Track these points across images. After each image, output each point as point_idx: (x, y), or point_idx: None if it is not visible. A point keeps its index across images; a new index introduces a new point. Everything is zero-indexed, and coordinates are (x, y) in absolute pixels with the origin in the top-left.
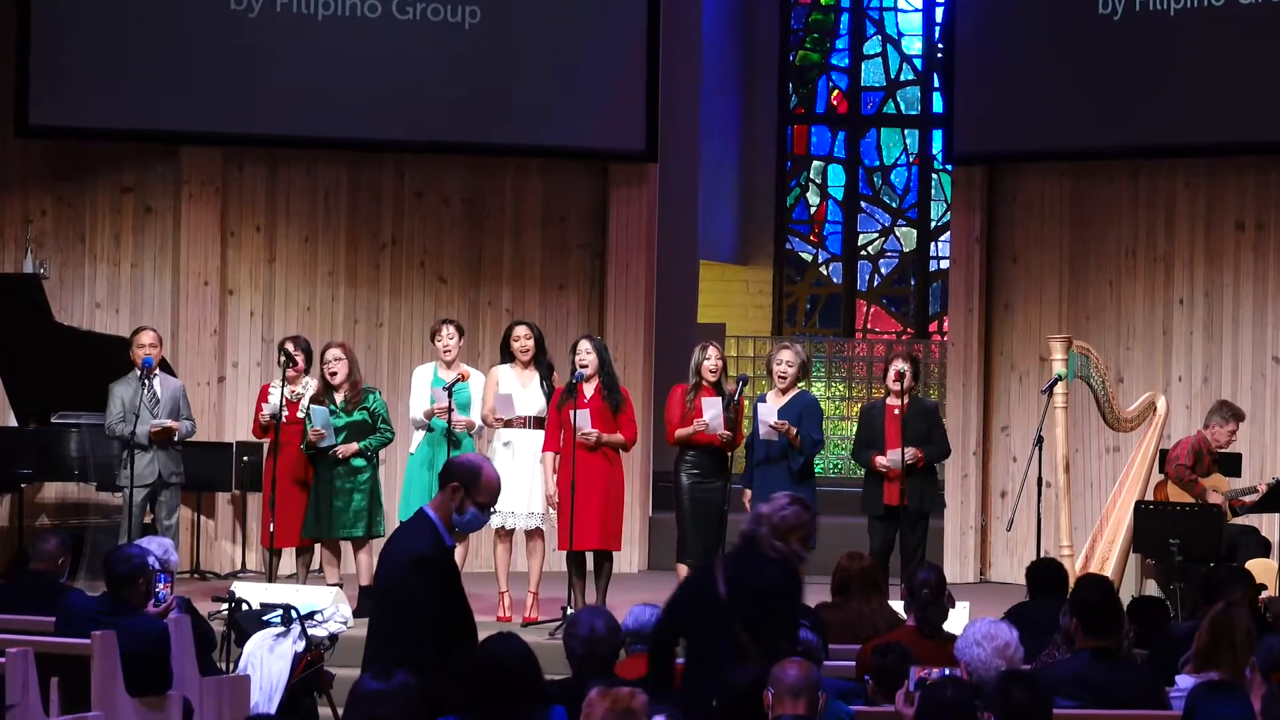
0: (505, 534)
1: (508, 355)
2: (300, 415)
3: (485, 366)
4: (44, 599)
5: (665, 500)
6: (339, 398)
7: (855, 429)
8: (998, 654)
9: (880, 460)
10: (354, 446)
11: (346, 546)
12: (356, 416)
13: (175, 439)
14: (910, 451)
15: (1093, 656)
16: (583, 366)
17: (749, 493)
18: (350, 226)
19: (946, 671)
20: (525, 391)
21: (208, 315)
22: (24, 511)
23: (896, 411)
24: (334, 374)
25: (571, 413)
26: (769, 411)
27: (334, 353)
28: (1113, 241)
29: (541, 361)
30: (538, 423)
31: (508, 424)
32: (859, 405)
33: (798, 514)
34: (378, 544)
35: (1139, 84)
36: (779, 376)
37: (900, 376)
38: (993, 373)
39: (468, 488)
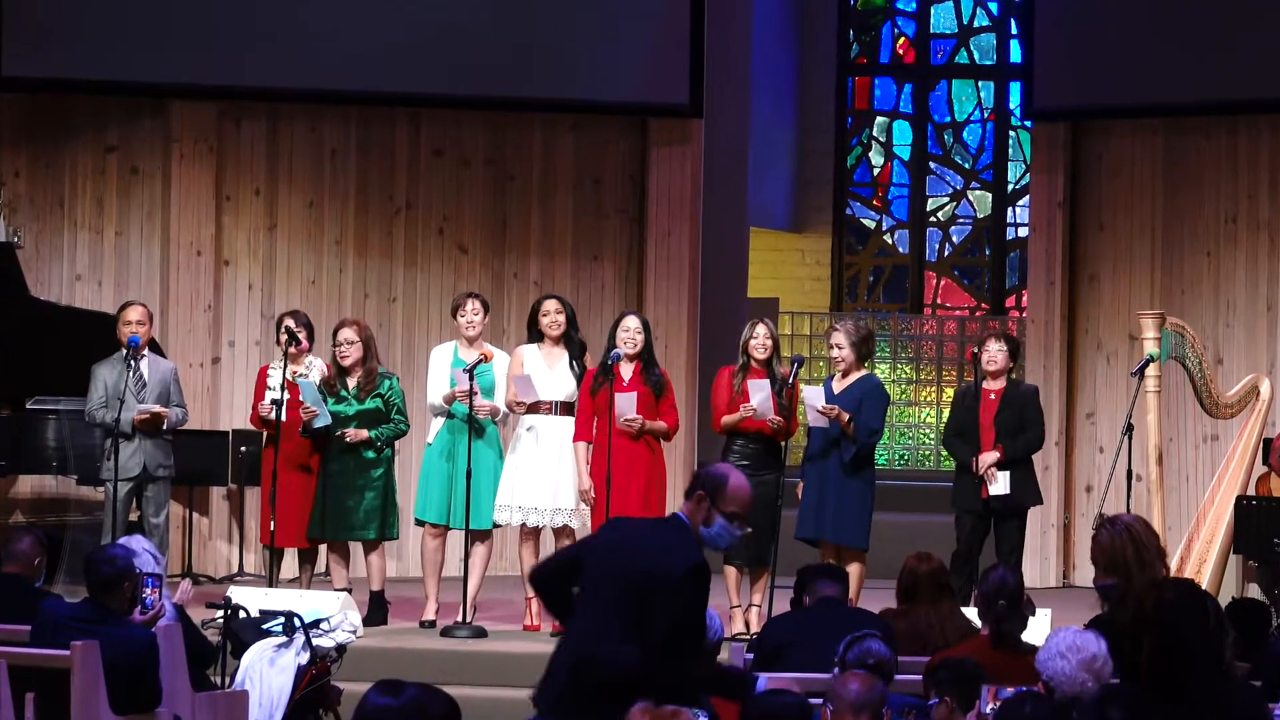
0: (531, 533)
1: (535, 333)
2: (303, 400)
3: (510, 346)
4: (18, 605)
5: None
6: (351, 383)
7: (946, 415)
8: (1084, 668)
9: (978, 463)
10: (363, 433)
11: (356, 547)
12: (369, 404)
13: (164, 427)
14: (994, 455)
15: None
16: (627, 345)
17: (803, 484)
18: (360, 190)
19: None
20: (553, 373)
21: (201, 289)
22: None
23: (993, 397)
24: (345, 357)
25: (609, 397)
26: (816, 395)
27: (346, 333)
28: (1210, 206)
29: (572, 340)
30: (566, 408)
31: (531, 409)
32: (927, 389)
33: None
34: (391, 547)
35: (1240, 29)
36: (833, 361)
37: (1005, 355)
38: (1076, 353)
39: (713, 496)
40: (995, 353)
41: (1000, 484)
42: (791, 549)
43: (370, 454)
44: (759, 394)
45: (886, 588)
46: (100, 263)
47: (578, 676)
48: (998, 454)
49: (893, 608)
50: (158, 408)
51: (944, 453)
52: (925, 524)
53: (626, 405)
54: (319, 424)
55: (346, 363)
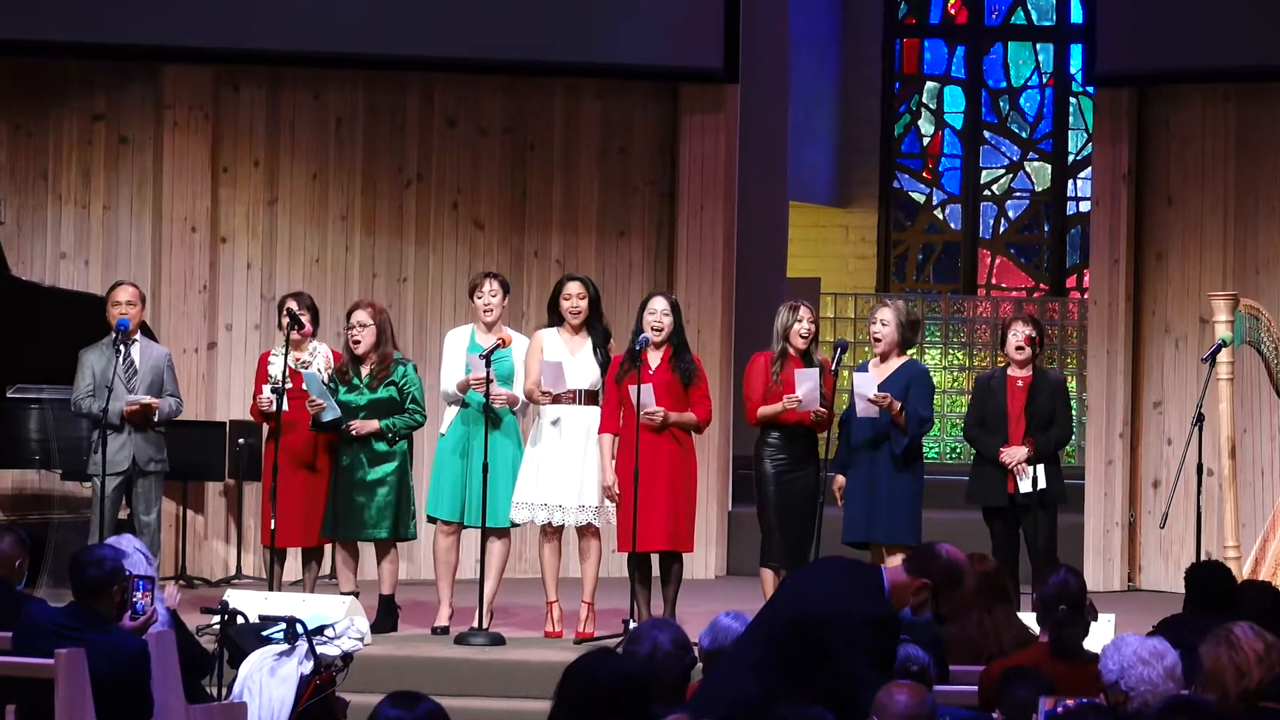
0: (553, 532)
1: (556, 316)
2: (308, 392)
3: (530, 329)
4: None
5: (746, 491)
6: (364, 371)
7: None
8: (1170, 675)
9: (1005, 456)
10: (374, 424)
11: (366, 547)
12: (382, 393)
13: (156, 419)
14: (1024, 451)
15: None
16: (655, 330)
17: (841, 479)
18: (368, 161)
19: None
20: (575, 360)
21: (195, 268)
22: None
23: (1020, 385)
24: (357, 343)
25: (633, 387)
26: (867, 383)
27: (360, 315)
28: None
29: (595, 326)
30: (590, 397)
31: (556, 399)
32: None
33: None
34: (401, 547)
35: None
36: (873, 338)
37: (1031, 342)
38: (1143, 337)
39: (939, 590)
40: (1023, 338)
41: (1029, 479)
42: (832, 549)
43: (383, 446)
44: (806, 384)
45: None
46: (87, 240)
47: None
48: (1027, 449)
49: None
50: (147, 398)
51: None
52: (975, 523)
53: (647, 396)
54: (328, 417)
55: (359, 349)
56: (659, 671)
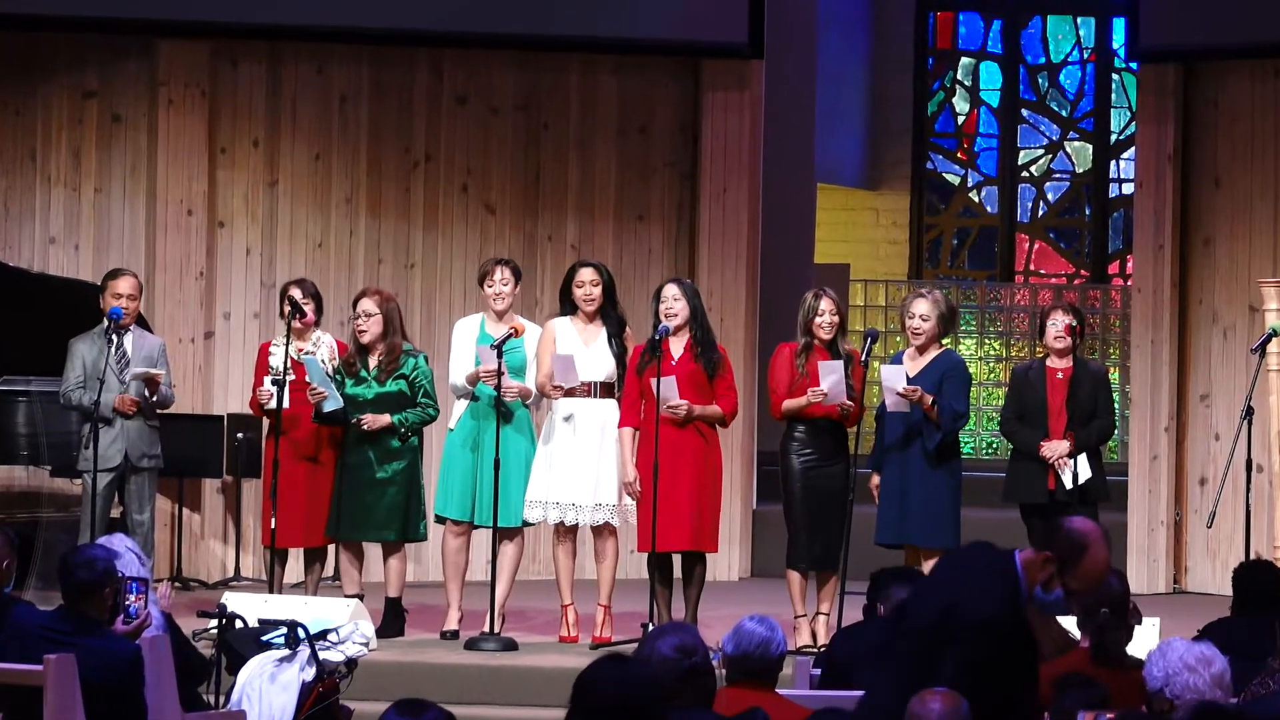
0: (567, 532)
1: (568, 304)
2: (309, 380)
3: (544, 318)
4: None
5: (771, 489)
6: (371, 362)
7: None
8: (1217, 683)
9: (1045, 450)
10: (385, 418)
11: (371, 548)
12: (390, 387)
13: (154, 398)
14: (1064, 445)
15: None
16: (668, 316)
17: (877, 479)
18: (373, 141)
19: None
20: (589, 351)
21: (192, 254)
22: None
23: (1060, 376)
24: (363, 332)
25: (653, 380)
26: (896, 375)
27: (366, 304)
28: None
29: (610, 314)
30: (605, 389)
31: (569, 393)
32: None
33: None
34: (413, 548)
35: None
36: (912, 332)
37: (1071, 332)
38: (1189, 326)
39: (1065, 563)
40: (1063, 327)
41: (1070, 475)
42: (863, 550)
43: (394, 443)
44: (831, 376)
45: None
46: (77, 224)
47: None
48: (1068, 443)
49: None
50: (151, 370)
51: None
52: (1013, 522)
53: (669, 390)
54: (329, 407)
55: (365, 339)
56: (657, 677)
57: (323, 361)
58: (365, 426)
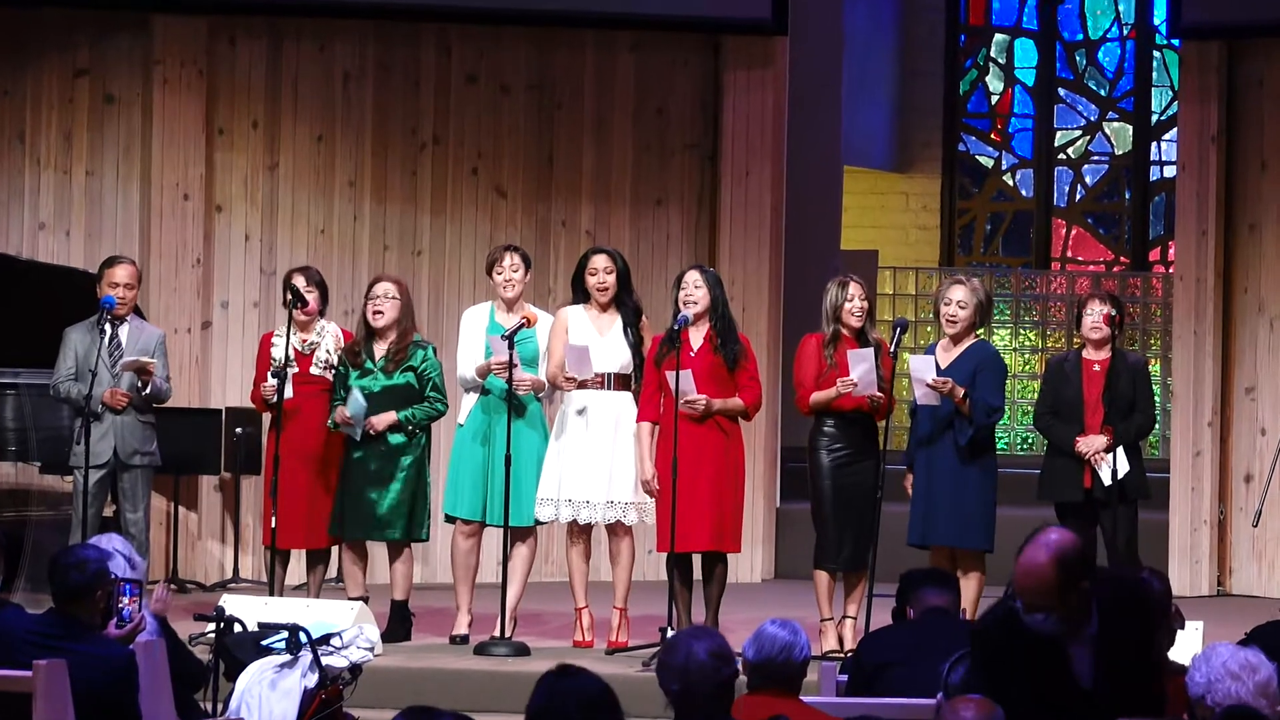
0: (580, 531)
1: (581, 292)
2: (314, 371)
3: (558, 307)
4: None
5: (795, 486)
6: (379, 350)
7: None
8: (1261, 691)
9: (1082, 446)
10: (391, 416)
11: (377, 549)
12: (398, 379)
13: (147, 391)
14: (1102, 440)
15: None
16: (689, 303)
17: (911, 476)
18: (378, 122)
19: None
20: (604, 340)
21: (188, 240)
22: None
23: (1097, 369)
24: (379, 314)
25: (670, 373)
26: (925, 366)
27: (385, 287)
28: None
29: (625, 303)
30: (620, 381)
31: (581, 385)
32: None
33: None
34: (416, 548)
35: None
36: (947, 320)
37: (1110, 322)
38: (1234, 316)
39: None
40: (1101, 316)
41: (1108, 471)
42: (893, 550)
43: (400, 439)
44: (861, 365)
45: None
46: (68, 208)
47: None
48: (1106, 438)
49: None
50: (140, 359)
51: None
52: (1048, 520)
53: (686, 384)
54: (354, 436)
55: (380, 321)
56: (692, 685)
57: (327, 352)
58: (373, 432)
